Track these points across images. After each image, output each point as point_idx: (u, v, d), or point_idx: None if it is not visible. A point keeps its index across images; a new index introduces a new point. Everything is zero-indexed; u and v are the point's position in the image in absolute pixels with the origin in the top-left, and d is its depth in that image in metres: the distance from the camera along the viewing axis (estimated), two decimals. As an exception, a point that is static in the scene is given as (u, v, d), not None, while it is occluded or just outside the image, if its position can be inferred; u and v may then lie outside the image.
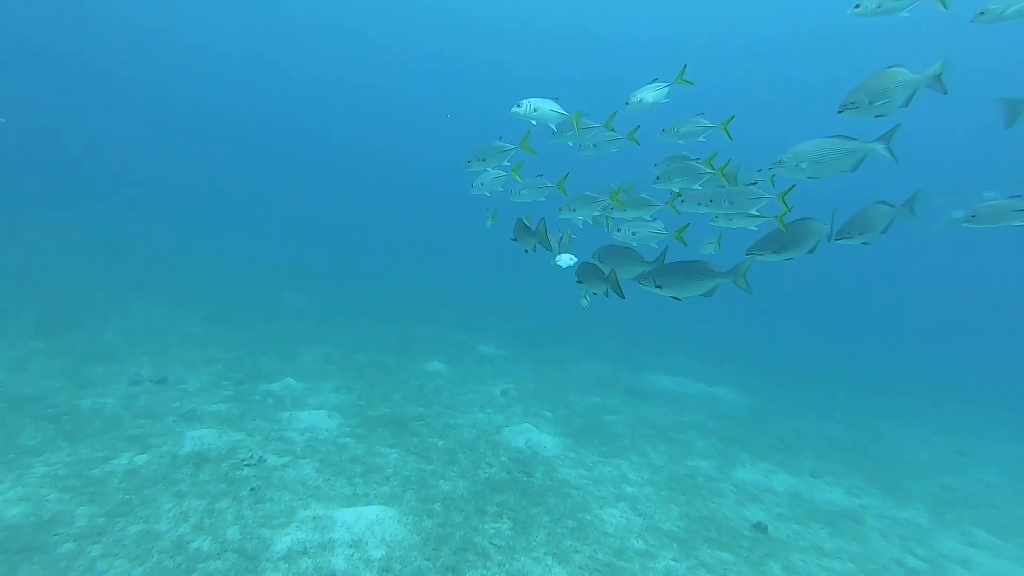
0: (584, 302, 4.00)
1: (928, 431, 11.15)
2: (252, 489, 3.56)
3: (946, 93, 2.93)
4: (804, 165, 3.02)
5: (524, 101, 4.00)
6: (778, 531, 4.85)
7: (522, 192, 4.16)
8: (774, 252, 3.01)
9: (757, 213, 3.27)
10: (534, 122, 3.98)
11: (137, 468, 3.60)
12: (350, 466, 4.45)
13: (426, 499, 4.07)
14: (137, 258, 17.47)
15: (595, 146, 4.05)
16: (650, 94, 3.85)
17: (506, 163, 4.17)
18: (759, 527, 4.81)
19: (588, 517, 4.38)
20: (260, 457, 4.11)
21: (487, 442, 5.90)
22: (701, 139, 3.98)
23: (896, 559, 4.70)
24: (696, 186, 3.51)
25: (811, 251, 3.13)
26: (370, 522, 3.33)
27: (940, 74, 2.88)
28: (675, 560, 3.93)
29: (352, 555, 2.94)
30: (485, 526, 3.81)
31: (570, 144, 4.23)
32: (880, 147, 2.99)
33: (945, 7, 3.23)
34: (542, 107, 4.01)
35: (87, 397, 5.03)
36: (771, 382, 14.06)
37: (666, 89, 3.87)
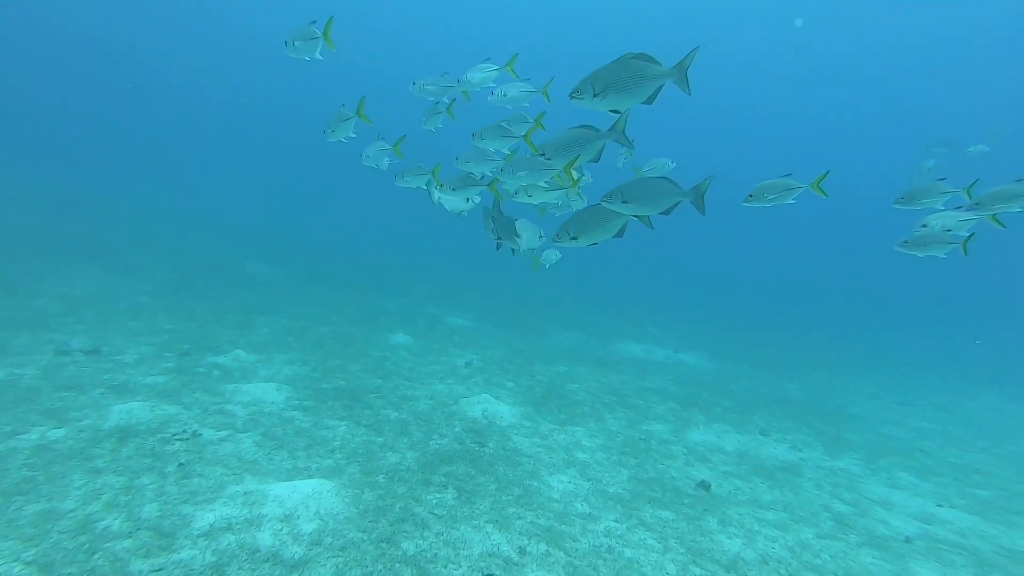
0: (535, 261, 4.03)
1: (877, 387, 11.69)
2: (180, 464, 3.42)
3: (690, 94, 2.81)
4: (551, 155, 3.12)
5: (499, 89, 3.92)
6: (721, 488, 4.99)
7: (406, 178, 4.04)
8: (572, 239, 3.07)
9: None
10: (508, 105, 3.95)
11: (50, 443, 3.40)
12: (293, 439, 4.34)
13: (370, 471, 4.01)
14: (91, 221, 16.59)
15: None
16: (478, 75, 3.92)
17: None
18: (703, 485, 4.94)
19: (536, 484, 4.40)
20: (194, 431, 3.96)
21: (443, 413, 5.86)
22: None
23: (825, 505, 4.92)
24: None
25: (619, 235, 3.20)
26: (305, 496, 3.25)
27: (686, 69, 2.71)
28: (616, 521, 4.00)
29: (280, 530, 2.87)
30: (428, 496, 3.79)
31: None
32: (611, 137, 2.99)
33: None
34: (511, 91, 3.94)
35: (1, 367, 4.73)
36: (737, 348, 14.44)
37: (495, 72, 3.92)
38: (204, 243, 18.60)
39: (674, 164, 5.94)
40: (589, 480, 4.70)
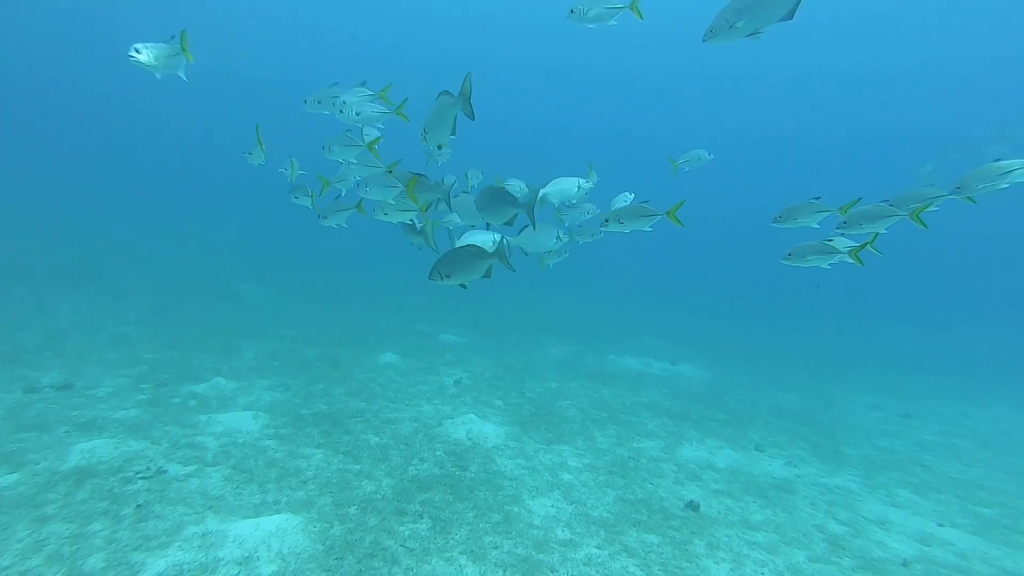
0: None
1: (878, 396, 11.48)
2: (138, 506, 3.30)
3: (473, 119, 3.00)
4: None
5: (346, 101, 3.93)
6: (710, 508, 4.85)
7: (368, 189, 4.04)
8: (445, 277, 3.27)
9: None
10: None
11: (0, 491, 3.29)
12: (265, 471, 4.22)
13: (342, 503, 3.88)
14: (79, 246, 16.56)
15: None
16: (353, 98, 4.02)
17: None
18: (691, 506, 4.80)
19: (516, 509, 4.27)
20: (159, 468, 3.84)
21: (425, 436, 5.74)
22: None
23: (819, 526, 4.76)
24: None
25: (487, 276, 3.46)
26: (267, 534, 3.13)
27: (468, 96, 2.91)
28: (598, 547, 3.86)
29: (237, 574, 2.75)
30: (401, 528, 3.66)
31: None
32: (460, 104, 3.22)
33: (639, 17, 3.59)
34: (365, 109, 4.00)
35: (-34, 410, 4.62)
36: (736, 355, 14.29)
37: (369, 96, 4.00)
38: (195, 264, 18.55)
39: (711, 156, 6.06)
40: (573, 503, 4.56)
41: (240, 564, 2.82)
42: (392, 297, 16.50)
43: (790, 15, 2.83)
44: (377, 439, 5.45)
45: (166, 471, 3.84)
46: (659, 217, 4.13)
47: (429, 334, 12.32)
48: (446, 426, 6.09)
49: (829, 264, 3.93)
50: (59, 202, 23.66)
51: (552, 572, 3.46)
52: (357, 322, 12.93)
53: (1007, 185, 3.70)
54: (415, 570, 3.18)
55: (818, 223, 4.07)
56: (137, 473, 3.72)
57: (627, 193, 5.63)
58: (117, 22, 35.67)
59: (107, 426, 4.60)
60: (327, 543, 3.25)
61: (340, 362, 8.74)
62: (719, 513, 4.78)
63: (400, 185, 3.37)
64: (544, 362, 10.92)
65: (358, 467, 4.65)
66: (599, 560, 3.68)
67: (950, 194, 3.71)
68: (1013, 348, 21.19)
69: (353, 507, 3.85)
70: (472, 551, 3.52)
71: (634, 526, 4.29)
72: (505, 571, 3.36)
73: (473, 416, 6.39)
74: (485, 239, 3.91)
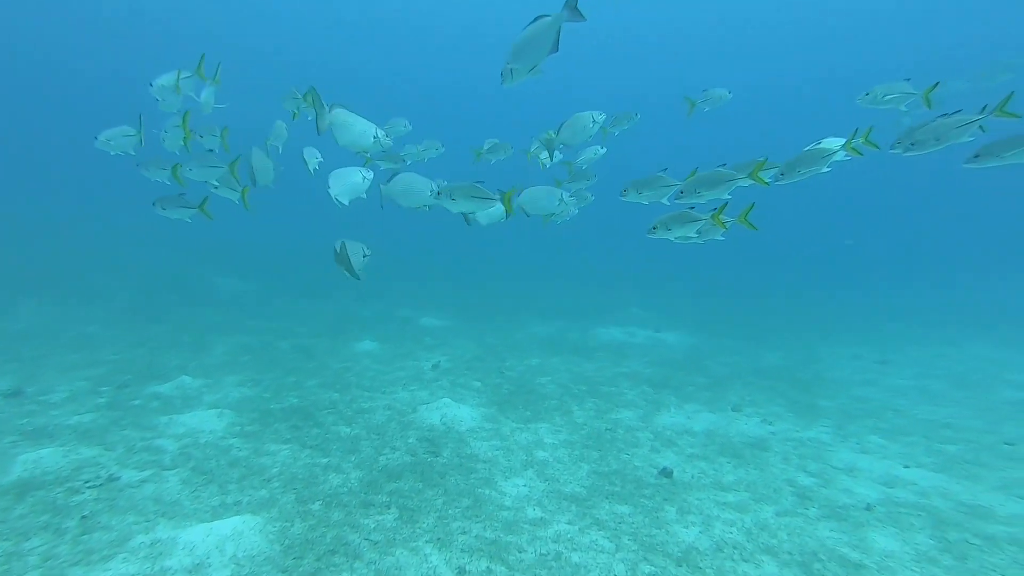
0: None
1: (859, 348, 11.62)
2: (83, 517, 3.18)
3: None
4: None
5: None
6: (684, 473, 4.86)
7: (192, 168, 3.92)
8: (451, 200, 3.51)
9: None
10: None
11: (-66, 513, 3.14)
12: (227, 471, 4.11)
13: (306, 499, 3.80)
14: (48, 247, 16.03)
15: None
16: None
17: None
18: (665, 472, 4.80)
19: (488, 492, 4.23)
20: (111, 475, 3.71)
21: (398, 423, 5.66)
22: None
23: (789, 480, 4.80)
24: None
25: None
26: (222, 538, 3.04)
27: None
28: (569, 523, 3.83)
29: (183, 583, 2.66)
30: (366, 520, 3.59)
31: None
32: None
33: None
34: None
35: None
36: (721, 319, 14.38)
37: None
38: (171, 261, 18.10)
39: (731, 94, 6.13)
40: (546, 480, 4.53)
41: (189, 572, 2.73)
42: (374, 285, 16.26)
43: (555, 48, 3.05)
44: (348, 430, 5.36)
45: (118, 478, 3.71)
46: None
47: (410, 319, 12.19)
48: (420, 412, 6.01)
49: (697, 232, 3.84)
50: (28, 201, 22.78)
51: (520, 552, 3.42)
52: (336, 311, 12.74)
53: (828, 169, 3.75)
54: (378, 563, 3.11)
55: (668, 199, 4.00)
56: (86, 482, 3.59)
57: (725, 91, 5.93)
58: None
59: (58, 433, 4.43)
60: (286, 543, 3.17)
61: (315, 353, 8.59)
62: (692, 477, 4.79)
63: (223, 165, 3.41)
64: (527, 340, 10.86)
65: (326, 460, 4.56)
66: (568, 536, 3.66)
67: (779, 175, 3.73)
68: (995, 289, 21.61)
69: (317, 503, 3.76)
70: (439, 538, 3.47)
71: (607, 498, 4.27)
72: (471, 556, 3.31)
73: (448, 400, 6.31)
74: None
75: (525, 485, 4.42)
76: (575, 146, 5.31)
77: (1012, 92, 3.23)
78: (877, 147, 3.75)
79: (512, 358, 9.25)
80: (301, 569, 2.93)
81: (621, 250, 28.72)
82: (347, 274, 3.79)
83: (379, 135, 3.79)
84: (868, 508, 4.32)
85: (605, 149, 6.31)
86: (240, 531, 3.14)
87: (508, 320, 12.83)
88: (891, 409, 7.27)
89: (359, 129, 3.81)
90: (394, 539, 3.40)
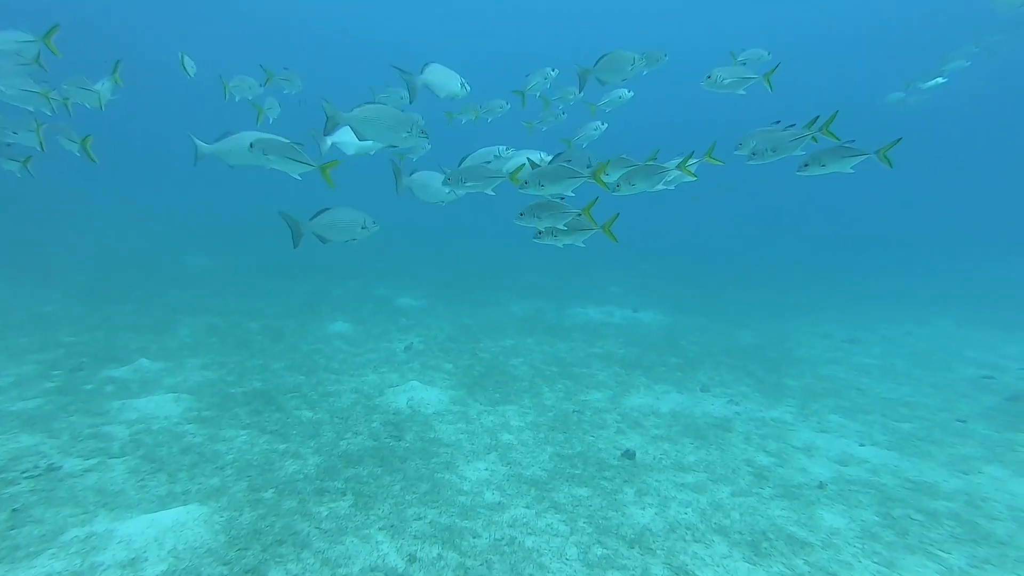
0: None
1: (831, 325, 11.85)
2: (14, 510, 3.06)
3: None
4: None
5: None
6: (646, 455, 4.91)
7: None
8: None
9: None
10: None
11: None
12: (178, 459, 4.01)
13: (258, 487, 3.73)
14: (3, 224, 15.34)
15: None
16: None
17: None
18: (627, 454, 4.84)
19: (447, 476, 4.21)
20: (51, 464, 3.59)
21: (363, 407, 5.59)
22: None
23: (748, 460, 4.89)
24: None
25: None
26: (162, 530, 2.96)
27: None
28: (527, 507, 3.84)
29: (117, 579, 2.58)
30: (319, 508, 3.54)
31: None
32: None
33: None
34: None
35: None
36: (698, 299, 14.50)
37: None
38: (139, 239, 17.52)
39: (770, 55, 6.15)
40: (507, 464, 4.53)
41: (124, 567, 2.65)
42: (354, 263, 15.97)
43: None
44: (311, 415, 5.28)
45: (60, 467, 3.59)
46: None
47: (386, 299, 12.02)
48: (388, 395, 5.95)
49: (565, 225, 3.82)
50: (-23, 178, 21.75)
51: (474, 537, 3.42)
52: (311, 290, 12.49)
53: (663, 187, 3.94)
54: (326, 552, 3.08)
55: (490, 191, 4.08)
56: (23, 472, 3.46)
57: (764, 51, 5.88)
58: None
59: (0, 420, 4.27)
60: (231, 533, 3.10)
61: (285, 334, 8.43)
62: (654, 458, 4.84)
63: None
64: (504, 320, 10.81)
65: (284, 446, 4.48)
66: (525, 520, 3.67)
67: (589, 176, 3.82)
68: (964, 267, 22.18)
69: (270, 491, 3.70)
70: (392, 525, 3.44)
71: (567, 481, 4.29)
72: (424, 542, 3.29)
73: (416, 383, 6.25)
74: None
75: (486, 469, 4.41)
76: (609, 83, 5.32)
77: (837, 111, 3.61)
78: (721, 162, 3.97)
79: (487, 339, 9.21)
80: (244, 561, 2.88)
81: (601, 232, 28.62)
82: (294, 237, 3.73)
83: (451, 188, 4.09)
84: (820, 486, 4.42)
85: (606, 125, 6.21)
86: (183, 522, 3.07)
87: (486, 299, 12.75)
88: (854, 388, 7.43)
89: (436, 185, 4.20)
90: (346, 527, 3.36)
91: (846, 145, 3.50)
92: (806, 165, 3.57)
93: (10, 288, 9.52)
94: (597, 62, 5.01)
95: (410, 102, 4.52)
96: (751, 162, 3.78)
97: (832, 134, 3.58)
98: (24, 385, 5.15)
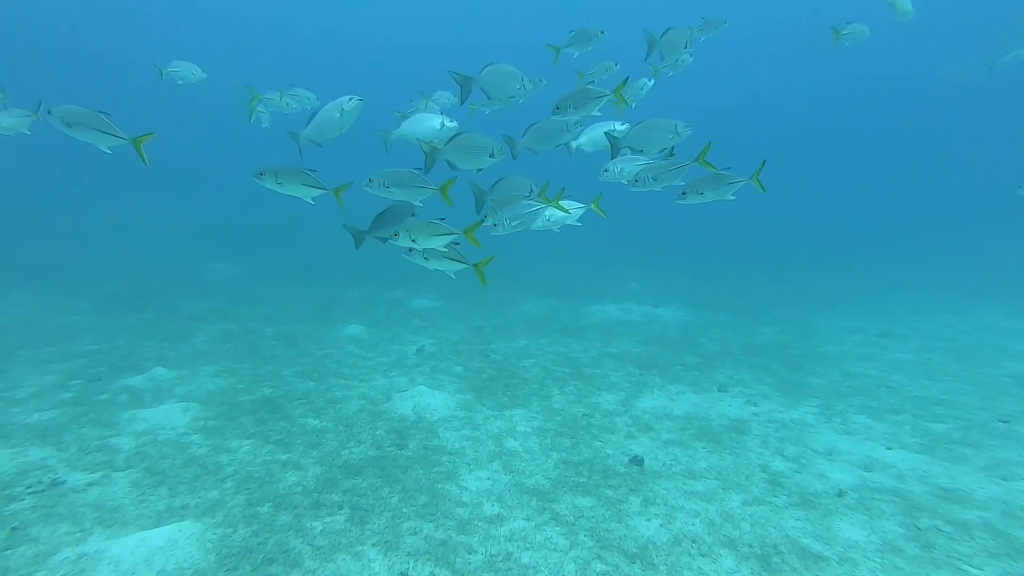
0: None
1: (861, 320, 11.28)
2: (13, 529, 3.11)
3: None
4: None
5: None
6: (656, 461, 4.72)
7: None
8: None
9: None
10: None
11: None
12: (180, 472, 4.04)
13: (256, 501, 3.72)
14: (37, 236, 16.04)
15: None
16: None
17: None
18: (635, 460, 4.66)
19: (448, 487, 4.12)
20: (55, 479, 3.66)
21: (369, 414, 5.56)
22: None
23: (763, 465, 4.64)
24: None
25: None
26: (153, 550, 2.96)
27: None
28: (527, 519, 3.72)
29: (102, 602, 2.59)
30: (314, 523, 3.50)
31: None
32: None
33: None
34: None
35: None
36: (720, 293, 14.07)
37: None
38: (164, 248, 18.07)
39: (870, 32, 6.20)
40: (510, 473, 4.42)
41: (110, 590, 2.66)
42: (369, 267, 16.08)
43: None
44: (316, 423, 5.27)
45: (64, 482, 3.65)
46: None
47: (400, 301, 12.05)
48: (394, 401, 5.91)
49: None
50: (22, 190, 22.74)
51: (469, 553, 3.32)
52: (327, 294, 12.63)
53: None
54: (316, 572, 3.02)
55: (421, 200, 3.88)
56: (28, 488, 3.53)
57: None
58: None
59: (13, 433, 4.39)
60: (223, 552, 3.09)
61: (298, 339, 8.51)
62: (664, 465, 4.66)
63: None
64: (516, 319, 10.70)
65: (286, 456, 4.48)
66: (523, 534, 3.55)
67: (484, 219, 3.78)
68: (1007, 255, 20.90)
69: (267, 504, 3.68)
70: (387, 541, 3.37)
71: (570, 490, 4.15)
72: (417, 559, 3.22)
73: (424, 388, 6.20)
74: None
75: (488, 478, 4.31)
76: (668, 60, 5.41)
77: (710, 142, 3.74)
78: (568, 211, 3.97)
79: (499, 340, 9.11)
80: (233, 580, 2.85)
81: (623, 224, 28.16)
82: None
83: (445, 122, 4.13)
84: (840, 494, 4.16)
85: (652, 82, 6.03)
86: (175, 541, 3.06)
87: (501, 298, 12.65)
88: (884, 386, 7.03)
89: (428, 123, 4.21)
90: (339, 543, 3.31)
91: (722, 173, 3.66)
92: (684, 194, 3.69)
93: (40, 300, 9.91)
94: (663, 35, 5.17)
95: (461, 103, 4.59)
96: (634, 189, 3.94)
97: (708, 164, 3.70)
98: (42, 396, 5.31)
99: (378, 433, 5.09)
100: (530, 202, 3.64)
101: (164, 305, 10.29)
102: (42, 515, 3.27)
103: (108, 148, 3.29)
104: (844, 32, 6.18)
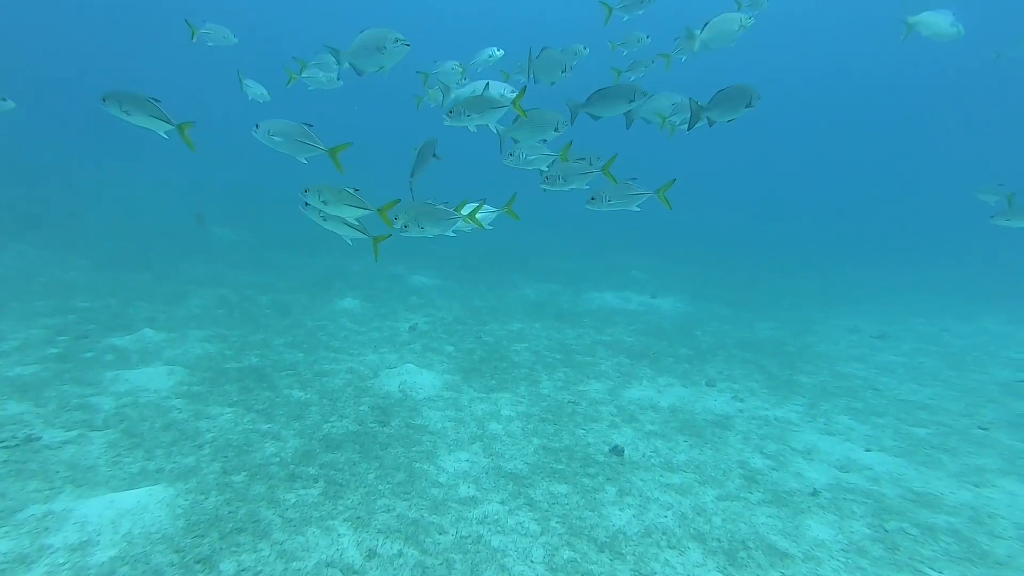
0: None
1: (860, 320, 11.17)
2: (-17, 484, 3.14)
3: None
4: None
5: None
6: (636, 452, 4.70)
7: None
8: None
9: None
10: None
11: None
12: (159, 435, 4.05)
13: (231, 469, 3.72)
14: (41, 192, 15.96)
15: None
16: None
17: None
18: (615, 450, 4.64)
19: (425, 467, 4.12)
20: (30, 435, 3.66)
21: (355, 389, 5.55)
22: None
23: (742, 461, 4.61)
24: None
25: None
26: (121, 512, 2.97)
27: None
28: (501, 503, 3.72)
29: (61, 565, 2.59)
30: (288, 495, 3.50)
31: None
32: None
33: None
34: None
35: None
36: (722, 286, 13.93)
37: None
38: (169, 210, 18.00)
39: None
40: (489, 456, 4.41)
41: (71, 551, 2.66)
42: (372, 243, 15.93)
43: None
44: (301, 394, 5.27)
45: (39, 438, 3.66)
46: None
47: (400, 277, 11.99)
48: (381, 377, 5.89)
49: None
50: (19, 143, 22.60)
51: (440, 534, 3.32)
52: (327, 266, 12.58)
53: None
54: (284, 544, 3.03)
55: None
56: (1, 442, 3.54)
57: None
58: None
59: (-6, 389, 4.40)
60: (192, 519, 3.09)
61: (292, 309, 8.49)
62: (643, 456, 4.63)
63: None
64: (514, 302, 10.63)
65: (267, 427, 4.48)
66: (495, 518, 3.54)
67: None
68: (1019, 259, 20.50)
69: (242, 474, 3.69)
70: (358, 517, 3.37)
71: (547, 477, 4.14)
72: (386, 537, 3.22)
73: (412, 366, 6.18)
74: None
75: (467, 460, 4.30)
76: (714, 50, 5.25)
77: (616, 154, 3.95)
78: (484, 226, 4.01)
79: (494, 322, 9.07)
80: (198, 550, 2.85)
81: (631, 213, 27.75)
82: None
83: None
84: (814, 493, 4.14)
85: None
86: (145, 504, 3.07)
87: (502, 280, 12.57)
88: (871, 388, 6.97)
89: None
90: (310, 517, 3.31)
91: (627, 183, 3.90)
92: (593, 199, 3.90)
93: (41, 254, 9.90)
94: (704, 27, 4.98)
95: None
96: (543, 187, 4.10)
97: (610, 176, 3.92)
98: (27, 350, 5.32)
99: (362, 409, 5.08)
100: (448, 211, 3.61)
101: (164, 267, 10.27)
102: (12, 470, 3.28)
103: (164, 133, 3.35)
104: (912, 21, 5.64)
